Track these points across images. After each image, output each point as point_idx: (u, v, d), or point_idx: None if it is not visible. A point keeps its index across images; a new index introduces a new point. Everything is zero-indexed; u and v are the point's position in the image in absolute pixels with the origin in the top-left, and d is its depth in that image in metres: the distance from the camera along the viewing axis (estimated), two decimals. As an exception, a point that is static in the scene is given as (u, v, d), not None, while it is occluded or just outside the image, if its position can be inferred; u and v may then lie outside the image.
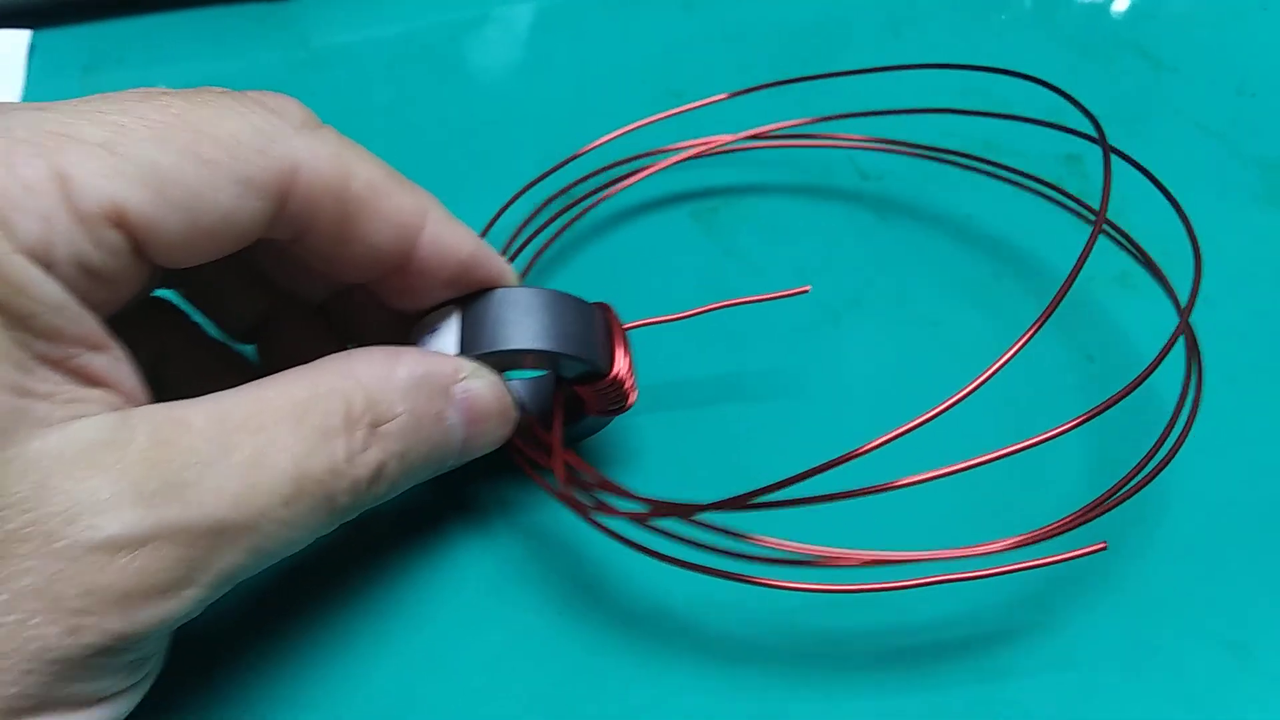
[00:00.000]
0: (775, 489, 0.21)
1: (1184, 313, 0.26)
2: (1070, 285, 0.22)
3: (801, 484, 0.20)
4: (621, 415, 0.27)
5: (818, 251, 0.34)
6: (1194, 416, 0.27)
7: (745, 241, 0.34)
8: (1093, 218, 0.34)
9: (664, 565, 0.24)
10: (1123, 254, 0.34)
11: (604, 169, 0.34)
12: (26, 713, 0.17)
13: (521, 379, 0.27)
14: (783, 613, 0.26)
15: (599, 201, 0.33)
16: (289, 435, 0.19)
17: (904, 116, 0.36)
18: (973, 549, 0.23)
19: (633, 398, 0.25)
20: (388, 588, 0.26)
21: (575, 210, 0.33)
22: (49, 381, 0.18)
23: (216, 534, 0.18)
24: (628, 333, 0.26)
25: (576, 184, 0.33)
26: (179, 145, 0.19)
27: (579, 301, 0.25)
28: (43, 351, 0.17)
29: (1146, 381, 0.23)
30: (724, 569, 0.23)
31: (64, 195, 0.17)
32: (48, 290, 0.17)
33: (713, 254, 0.33)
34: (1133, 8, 0.43)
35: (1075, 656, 0.25)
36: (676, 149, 0.34)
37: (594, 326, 0.25)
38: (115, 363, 0.19)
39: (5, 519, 0.17)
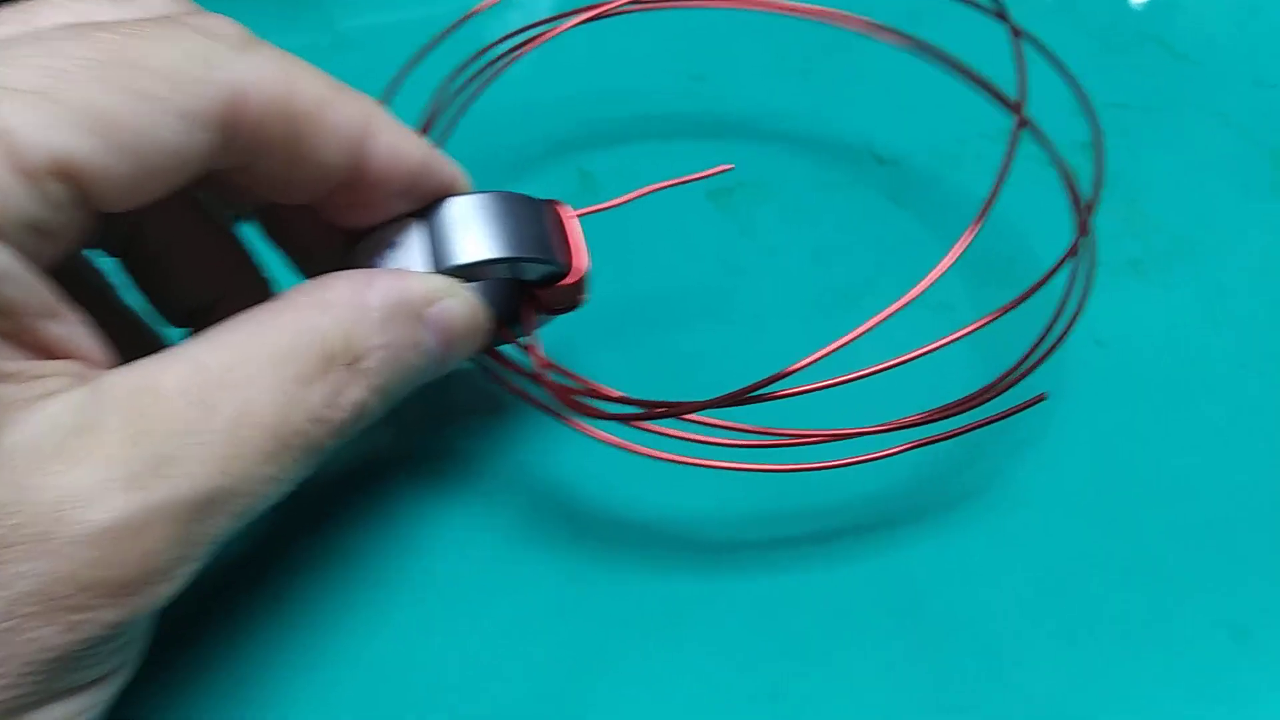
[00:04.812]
0: (767, 383, 0.22)
1: (1088, 209, 0.28)
2: (998, 191, 0.24)
3: (785, 381, 0.22)
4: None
5: (833, 234, 0.34)
6: (1083, 301, 0.28)
7: (761, 223, 0.34)
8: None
9: (647, 469, 0.24)
10: (1136, 241, 0.34)
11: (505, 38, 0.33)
12: (26, 709, 0.17)
13: (475, 283, 0.26)
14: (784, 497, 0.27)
15: (499, 72, 0.32)
16: (269, 385, 0.19)
17: (926, 102, 0.36)
18: (920, 415, 0.25)
19: (586, 295, 0.25)
20: (388, 550, 0.26)
21: (477, 83, 0.33)
22: (7, 359, 0.17)
23: (208, 504, 0.18)
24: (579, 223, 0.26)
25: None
26: (118, 83, 0.17)
27: (534, 201, 0.24)
28: None
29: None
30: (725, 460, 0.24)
31: (6, 152, 0.16)
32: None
33: (729, 234, 0.34)
34: None
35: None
36: (566, 15, 0.33)
37: (551, 227, 0.24)
38: (73, 328, 0.18)
39: None
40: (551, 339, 0.28)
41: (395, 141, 0.22)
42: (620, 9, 0.33)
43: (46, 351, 0.17)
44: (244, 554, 0.25)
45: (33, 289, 0.17)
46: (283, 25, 0.40)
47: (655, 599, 0.26)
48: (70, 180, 0.17)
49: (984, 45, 0.32)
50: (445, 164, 0.23)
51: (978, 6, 0.30)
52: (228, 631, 0.24)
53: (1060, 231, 0.31)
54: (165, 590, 0.18)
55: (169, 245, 0.24)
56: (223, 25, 0.20)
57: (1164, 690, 0.25)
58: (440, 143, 0.31)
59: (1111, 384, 0.30)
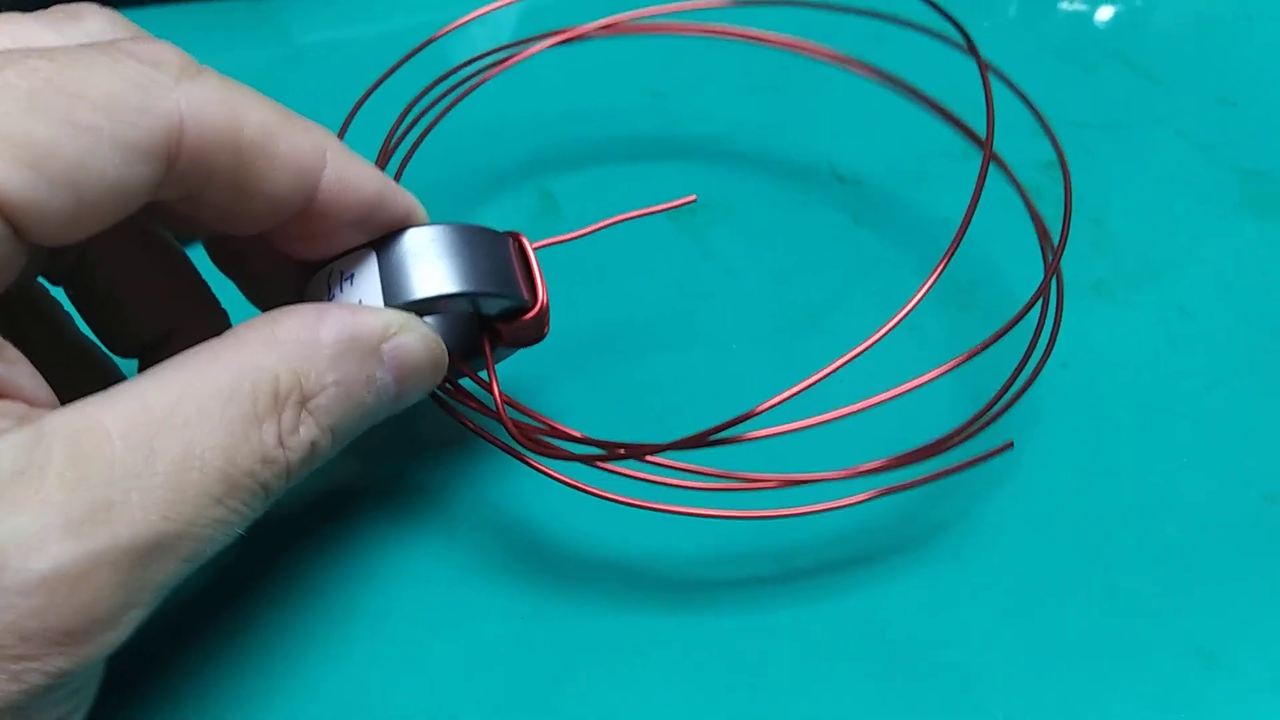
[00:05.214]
0: (731, 425, 0.22)
1: (1056, 254, 0.27)
2: (965, 229, 0.24)
3: (750, 422, 0.22)
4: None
5: (796, 254, 0.34)
6: (1050, 347, 0.27)
7: (723, 245, 0.34)
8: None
9: (608, 505, 0.24)
10: (1101, 261, 0.34)
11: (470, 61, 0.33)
12: None
13: (435, 316, 0.26)
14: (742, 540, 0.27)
15: (463, 95, 0.32)
16: (216, 426, 0.18)
17: (887, 120, 0.36)
18: (885, 461, 0.24)
19: (547, 329, 0.25)
20: (347, 584, 0.26)
21: (442, 104, 0.32)
22: None
23: (152, 549, 0.17)
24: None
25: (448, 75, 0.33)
26: (53, 114, 0.17)
27: (494, 234, 0.24)
28: None
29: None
30: (677, 505, 0.24)
31: None
32: None
33: (691, 257, 0.33)
34: (1116, 17, 0.43)
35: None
36: (535, 39, 0.33)
37: (512, 259, 0.24)
38: (11, 366, 0.18)
39: None
40: (511, 365, 0.27)
41: (349, 173, 0.21)
42: (588, 34, 0.32)
43: None
44: (202, 585, 0.25)
45: None
46: (239, 39, 0.40)
47: (614, 634, 0.25)
48: (2, 215, 0.16)
49: (947, 65, 0.31)
50: (401, 195, 0.23)
51: (947, 40, 0.29)
52: (184, 665, 0.24)
53: (1025, 246, 0.31)
54: (112, 637, 0.17)
55: (116, 276, 0.24)
56: (165, 52, 0.19)
57: (1136, 717, 0.24)
58: (401, 164, 0.31)
59: (1077, 407, 0.30)
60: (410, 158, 0.31)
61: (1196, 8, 0.44)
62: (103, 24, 0.21)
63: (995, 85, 0.27)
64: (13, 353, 0.18)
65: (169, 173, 0.19)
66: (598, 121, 0.37)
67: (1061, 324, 0.27)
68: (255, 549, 0.25)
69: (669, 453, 0.23)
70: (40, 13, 0.20)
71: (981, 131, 0.28)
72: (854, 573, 0.26)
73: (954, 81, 0.31)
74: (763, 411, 0.22)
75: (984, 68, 0.27)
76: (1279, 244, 0.35)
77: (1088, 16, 0.43)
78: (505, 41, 0.33)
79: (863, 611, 0.26)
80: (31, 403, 0.18)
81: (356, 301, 0.22)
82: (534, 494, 0.27)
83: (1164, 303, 0.33)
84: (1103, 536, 0.27)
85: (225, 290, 0.25)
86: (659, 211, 0.26)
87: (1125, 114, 0.39)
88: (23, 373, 0.18)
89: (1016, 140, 0.32)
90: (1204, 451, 0.29)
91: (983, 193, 0.25)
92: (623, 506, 0.24)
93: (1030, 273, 0.31)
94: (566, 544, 0.26)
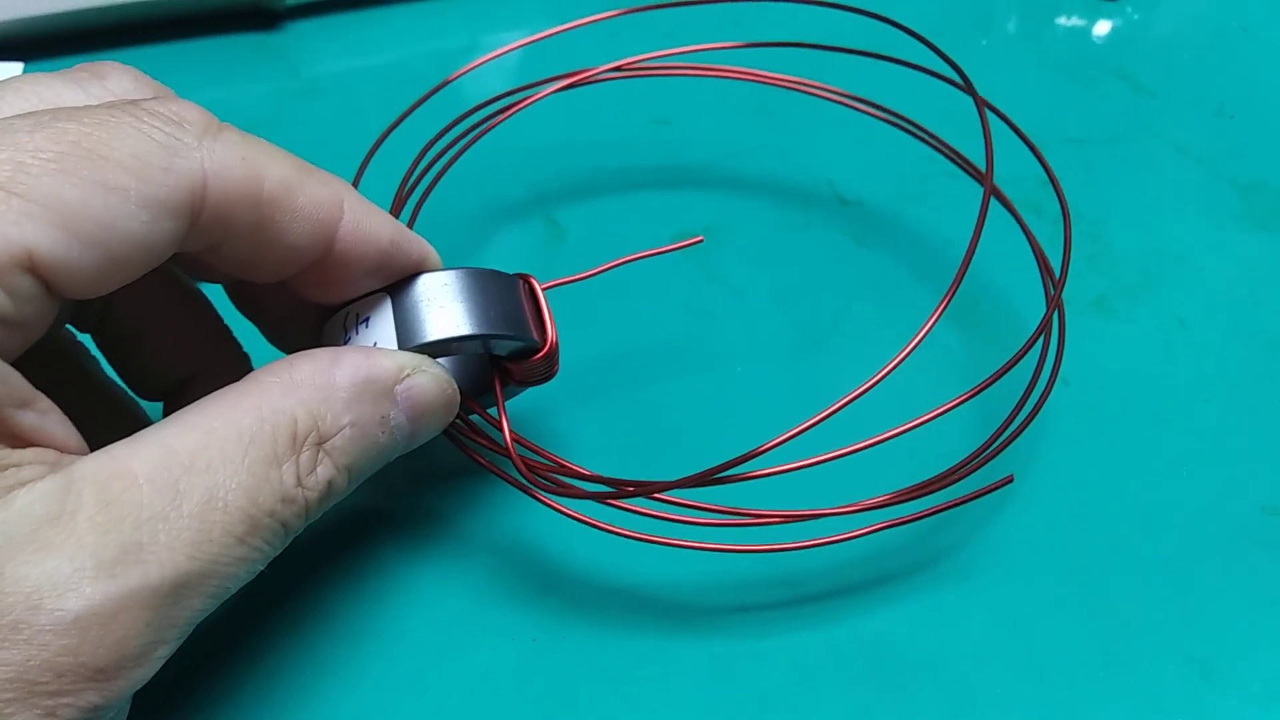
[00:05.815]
0: (737, 463, 0.23)
1: (1058, 285, 0.28)
2: (969, 260, 0.24)
3: (757, 460, 0.23)
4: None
5: (798, 276, 0.34)
6: (1052, 381, 0.28)
7: (726, 267, 0.34)
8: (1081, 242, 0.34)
9: (616, 539, 0.25)
10: (1100, 278, 0.34)
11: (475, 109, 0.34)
12: None
13: (447, 357, 0.26)
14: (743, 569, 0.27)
15: (476, 139, 0.33)
16: (238, 468, 0.19)
17: (888, 141, 0.36)
18: (889, 496, 0.25)
19: (557, 368, 0.26)
20: (361, 608, 0.26)
21: (456, 148, 0.33)
22: None
23: (180, 587, 0.18)
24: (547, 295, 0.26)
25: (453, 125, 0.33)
26: (82, 175, 0.18)
27: (504, 276, 0.25)
28: None
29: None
30: (687, 539, 0.25)
31: None
32: None
33: (695, 280, 0.34)
34: (1114, 32, 0.44)
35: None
36: (546, 82, 0.34)
37: (522, 301, 0.25)
38: (44, 416, 0.18)
39: None
40: (521, 394, 0.28)
41: (365, 223, 0.22)
42: (597, 76, 0.33)
43: (19, 440, 0.18)
44: (218, 611, 0.25)
45: (3, 379, 0.17)
46: (249, 72, 0.41)
47: (623, 658, 0.25)
48: (35, 272, 0.17)
49: (945, 90, 0.32)
50: (415, 242, 0.24)
51: (945, 79, 0.30)
52: (201, 689, 0.24)
53: (1023, 261, 0.31)
54: (141, 673, 0.18)
55: (141, 322, 0.25)
56: (187, 111, 0.20)
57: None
58: (416, 207, 0.31)
59: (1078, 423, 0.30)
60: (424, 201, 0.32)
61: (1193, 21, 0.44)
62: (126, 82, 0.21)
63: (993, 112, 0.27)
64: (45, 403, 0.19)
65: (192, 228, 0.20)
66: (600, 149, 0.38)
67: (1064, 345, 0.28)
68: (271, 574, 0.26)
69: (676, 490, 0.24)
70: (65, 71, 0.21)
71: (980, 152, 0.28)
72: (860, 596, 0.27)
73: (953, 97, 0.32)
74: (769, 450, 0.22)
75: (983, 108, 0.27)
76: (1278, 256, 0.35)
77: (1086, 32, 0.44)
78: (510, 73, 0.34)
79: (869, 633, 0.26)
80: (62, 449, 0.19)
81: (372, 344, 0.23)
82: (544, 522, 0.27)
83: (1163, 316, 0.33)
84: (1103, 549, 0.28)
85: (245, 331, 0.26)
86: (667, 252, 0.27)
87: (1123, 128, 0.40)
88: (54, 421, 0.19)
89: (1014, 155, 0.33)
90: (1203, 464, 0.29)
91: (980, 210, 0.25)
92: (628, 539, 0.25)
93: (1030, 290, 0.31)
94: (576, 571, 0.27)
